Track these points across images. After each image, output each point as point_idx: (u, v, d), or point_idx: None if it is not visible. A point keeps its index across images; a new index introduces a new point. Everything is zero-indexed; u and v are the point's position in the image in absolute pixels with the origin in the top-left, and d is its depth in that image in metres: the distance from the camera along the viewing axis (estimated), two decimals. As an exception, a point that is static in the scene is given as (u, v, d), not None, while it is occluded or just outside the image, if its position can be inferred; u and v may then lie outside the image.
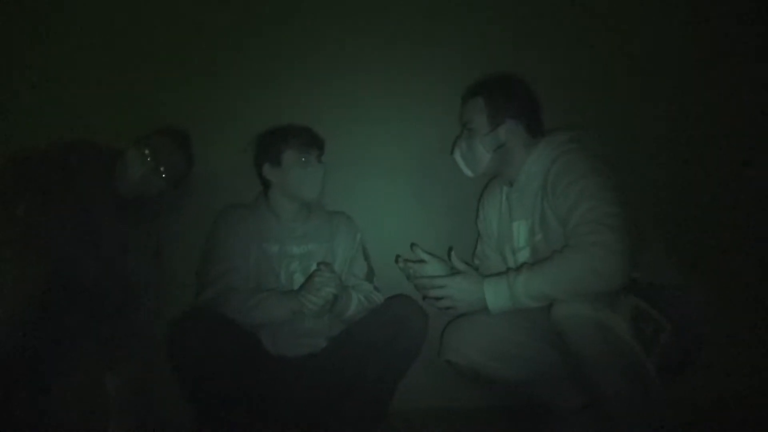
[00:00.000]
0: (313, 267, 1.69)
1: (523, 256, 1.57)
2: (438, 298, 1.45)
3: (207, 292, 1.62)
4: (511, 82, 1.67)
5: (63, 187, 1.56)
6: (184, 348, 1.48)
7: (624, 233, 1.31)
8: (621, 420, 1.30)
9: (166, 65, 1.97)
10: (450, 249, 1.54)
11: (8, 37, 1.92)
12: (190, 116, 1.91)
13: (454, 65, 2.02)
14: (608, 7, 2.06)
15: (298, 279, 1.71)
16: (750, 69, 2.07)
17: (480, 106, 1.59)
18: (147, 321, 1.68)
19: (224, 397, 1.53)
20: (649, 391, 1.27)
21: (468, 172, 1.66)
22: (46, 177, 1.55)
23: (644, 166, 2.04)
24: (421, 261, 1.54)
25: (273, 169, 1.74)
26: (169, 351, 1.51)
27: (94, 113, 1.90)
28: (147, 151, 1.63)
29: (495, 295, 1.38)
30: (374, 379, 1.61)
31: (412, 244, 1.56)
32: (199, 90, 1.98)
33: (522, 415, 1.74)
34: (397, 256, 1.58)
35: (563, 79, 2.04)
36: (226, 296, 1.60)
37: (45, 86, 1.92)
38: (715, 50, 2.08)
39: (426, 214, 2.06)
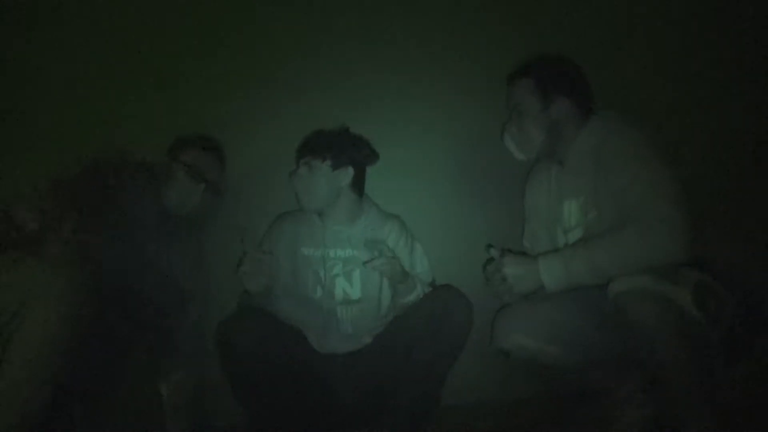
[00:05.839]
0: (357, 271, 1.69)
1: (575, 235, 1.54)
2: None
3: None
4: (558, 59, 1.66)
5: (105, 205, 1.60)
6: (233, 348, 1.49)
7: (685, 208, 1.30)
8: (681, 397, 1.25)
9: (201, 72, 1.96)
10: (487, 246, 1.51)
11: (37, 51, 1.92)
12: (228, 121, 1.93)
13: (491, 55, 1.99)
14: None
15: (341, 282, 1.70)
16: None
17: (530, 86, 1.58)
18: (195, 327, 1.70)
19: (275, 396, 1.54)
20: (713, 367, 1.23)
21: (520, 156, 1.64)
22: (87, 197, 1.59)
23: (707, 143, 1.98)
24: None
25: None
26: (219, 352, 1.52)
27: (125, 125, 1.91)
28: (199, 178, 1.69)
29: (551, 271, 1.37)
30: (422, 372, 1.58)
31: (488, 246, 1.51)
32: (237, 94, 1.97)
33: (573, 402, 1.70)
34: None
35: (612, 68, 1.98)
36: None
37: (66, 98, 1.91)
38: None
39: (466, 208, 2.04)
